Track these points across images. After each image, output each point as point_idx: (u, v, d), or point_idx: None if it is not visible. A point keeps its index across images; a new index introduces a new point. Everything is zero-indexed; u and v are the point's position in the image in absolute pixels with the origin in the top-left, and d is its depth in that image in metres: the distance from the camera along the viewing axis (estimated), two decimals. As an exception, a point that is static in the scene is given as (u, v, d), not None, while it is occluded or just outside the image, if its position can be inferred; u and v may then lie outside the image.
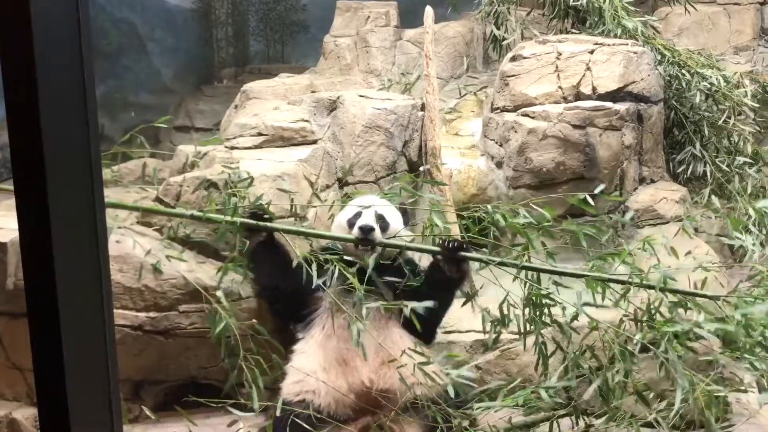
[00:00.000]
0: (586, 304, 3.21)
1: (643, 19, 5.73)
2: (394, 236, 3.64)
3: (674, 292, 3.28)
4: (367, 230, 3.53)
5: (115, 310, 3.55)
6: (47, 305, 1.19)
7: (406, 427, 3.39)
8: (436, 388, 3.29)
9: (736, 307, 3.19)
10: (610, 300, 3.25)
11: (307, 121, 4.82)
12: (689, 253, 3.54)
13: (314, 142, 4.74)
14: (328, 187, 4.55)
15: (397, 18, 7.02)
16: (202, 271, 3.82)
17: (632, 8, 5.77)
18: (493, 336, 3.34)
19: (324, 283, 3.33)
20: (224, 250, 3.81)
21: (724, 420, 3.42)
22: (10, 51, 1.14)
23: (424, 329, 3.35)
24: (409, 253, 3.67)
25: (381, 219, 3.63)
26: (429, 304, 3.26)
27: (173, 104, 8.45)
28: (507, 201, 4.75)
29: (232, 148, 4.59)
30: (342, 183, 4.74)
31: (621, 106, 4.84)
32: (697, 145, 5.40)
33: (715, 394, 3.13)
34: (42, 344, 1.21)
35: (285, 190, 3.89)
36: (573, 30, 5.84)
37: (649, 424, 3.26)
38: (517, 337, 3.38)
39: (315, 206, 4.08)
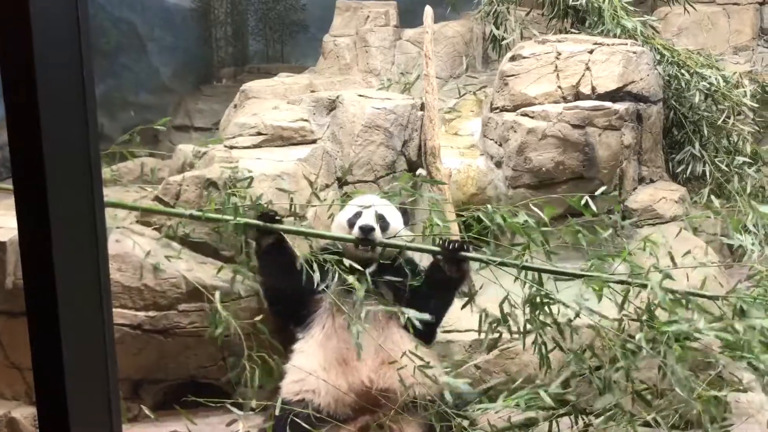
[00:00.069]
0: (589, 309, 3.21)
1: (642, 18, 5.73)
2: (395, 236, 3.64)
3: (674, 292, 3.28)
4: (367, 230, 3.53)
5: (114, 310, 3.55)
6: (46, 304, 1.19)
7: (406, 426, 3.39)
8: (435, 389, 3.29)
9: (735, 307, 3.19)
10: (610, 299, 3.25)
11: (306, 120, 4.82)
12: (688, 252, 3.54)
13: (313, 141, 4.74)
14: (327, 186, 4.55)
15: (396, 17, 7.03)
16: (201, 271, 3.82)
17: (631, 8, 5.77)
18: (494, 336, 3.33)
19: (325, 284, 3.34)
20: (225, 250, 3.81)
21: (723, 420, 3.41)
22: (10, 50, 1.14)
23: (425, 329, 3.35)
24: (409, 253, 3.67)
25: (381, 219, 3.63)
26: (427, 316, 3.31)
27: (172, 103, 8.45)
28: (506, 201, 4.75)
29: (232, 147, 4.59)
30: (341, 182, 4.74)
31: (620, 106, 4.84)
32: (697, 145, 5.40)
33: (715, 395, 3.13)
34: (41, 343, 1.21)
35: (284, 189, 3.89)
36: (572, 30, 5.84)
37: (648, 424, 3.26)
38: (516, 336, 3.38)
39: (314, 206, 4.08)
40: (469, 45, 6.83)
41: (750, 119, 5.64)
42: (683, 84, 5.47)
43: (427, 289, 3.47)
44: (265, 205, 3.77)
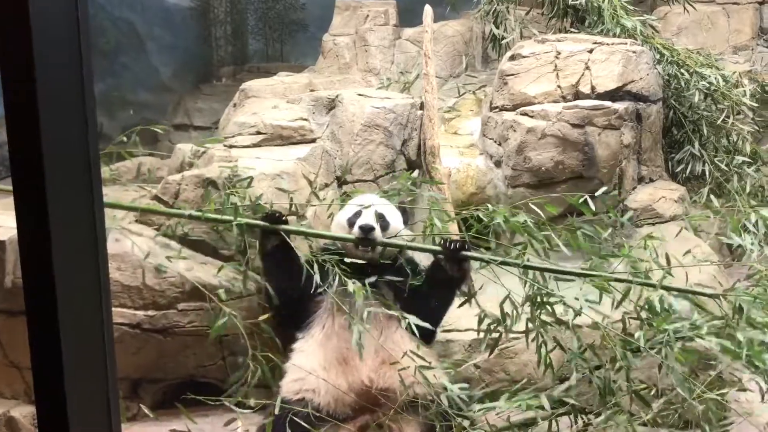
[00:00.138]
0: (589, 300, 3.21)
1: (642, 18, 5.73)
2: (395, 235, 3.64)
3: (674, 290, 3.28)
4: (367, 229, 3.53)
5: (113, 309, 3.54)
6: (46, 304, 1.18)
7: (405, 426, 3.39)
8: (438, 385, 3.29)
9: (735, 306, 3.19)
10: (609, 298, 3.25)
11: (305, 119, 4.82)
12: (688, 252, 3.54)
13: (313, 140, 4.73)
14: (326, 185, 4.55)
15: (396, 17, 7.02)
16: (201, 270, 3.82)
17: (631, 7, 5.78)
18: (494, 336, 3.34)
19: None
20: (224, 249, 3.81)
21: (722, 419, 3.42)
22: (9, 50, 1.14)
23: (425, 329, 3.35)
24: (410, 253, 3.67)
25: (381, 218, 3.62)
26: (427, 325, 3.30)
27: (172, 103, 8.46)
28: (506, 200, 4.75)
29: (231, 146, 4.58)
30: (341, 182, 4.74)
31: (620, 106, 4.84)
32: (696, 145, 5.40)
33: (714, 394, 3.13)
34: (40, 343, 1.21)
35: (284, 189, 3.88)
36: (572, 29, 5.84)
37: (647, 423, 3.26)
38: (516, 335, 3.38)
39: (314, 205, 4.08)
40: (468, 44, 6.83)
41: (749, 119, 5.64)
42: (683, 83, 5.47)
43: (428, 288, 3.47)
44: (267, 206, 3.75)
